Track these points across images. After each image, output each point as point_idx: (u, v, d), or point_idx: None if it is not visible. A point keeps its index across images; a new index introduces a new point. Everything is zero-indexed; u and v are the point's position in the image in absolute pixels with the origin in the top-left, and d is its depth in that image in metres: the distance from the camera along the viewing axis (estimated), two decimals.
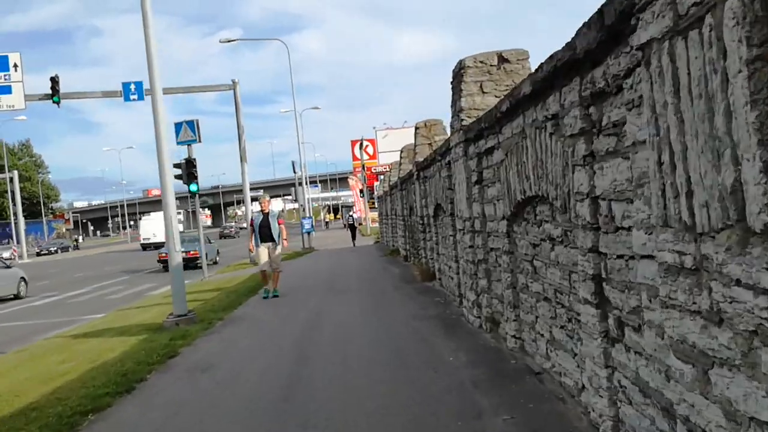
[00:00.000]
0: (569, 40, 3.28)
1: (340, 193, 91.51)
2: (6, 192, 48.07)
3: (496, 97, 6.57)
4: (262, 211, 11.42)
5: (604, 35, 2.78)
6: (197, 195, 17.96)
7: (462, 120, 6.61)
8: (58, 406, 5.26)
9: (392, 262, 17.15)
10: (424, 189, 11.40)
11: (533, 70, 4.17)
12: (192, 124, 18.00)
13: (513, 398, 4.29)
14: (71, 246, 58.86)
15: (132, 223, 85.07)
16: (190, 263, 20.66)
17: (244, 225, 45.39)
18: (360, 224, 37.50)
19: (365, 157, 45.79)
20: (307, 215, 31.35)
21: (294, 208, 67.82)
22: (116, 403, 5.31)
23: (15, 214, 47.43)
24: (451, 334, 6.60)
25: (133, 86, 23.56)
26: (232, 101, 24.07)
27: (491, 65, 6.63)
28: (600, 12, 2.78)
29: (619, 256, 3.00)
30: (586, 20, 3.03)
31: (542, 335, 4.70)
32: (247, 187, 22.28)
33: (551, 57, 3.59)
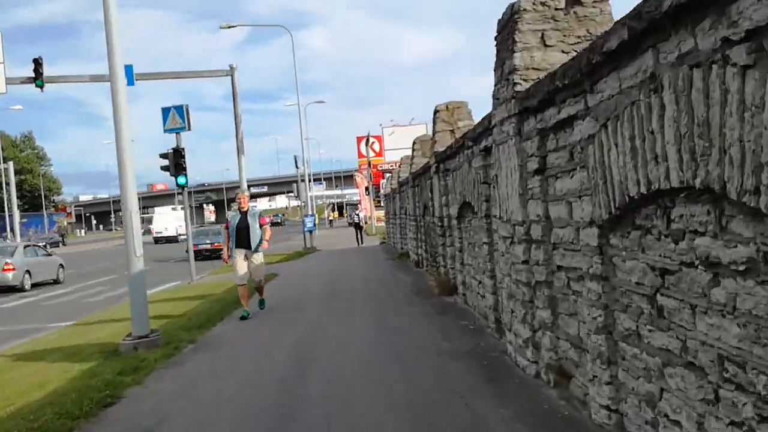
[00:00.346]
0: None
1: (345, 191, 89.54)
2: (7, 184, 46.31)
3: (563, 52, 4.70)
4: (240, 209, 9.34)
5: None
6: (185, 188, 16.20)
7: (515, 84, 4.72)
8: None
9: (402, 267, 15.25)
10: (444, 184, 9.50)
11: None
12: (181, 110, 16.27)
13: None
14: (60, 242, 54.21)
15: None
16: (213, 254, 23.98)
17: None
18: (366, 223, 35.52)
19: (371, 154, 43.93)
20: (310, 213, 29.41)
21: (297, 206, 65.82)
22: None
23: (9, 201, 45.80)
24: (498, 388, 4.64)
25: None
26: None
27: (557, 9, 4.74)
28: None
29: None
30: None
31: (677, 423, 2.80)
32: (244, 181, 20.42)
33: None
